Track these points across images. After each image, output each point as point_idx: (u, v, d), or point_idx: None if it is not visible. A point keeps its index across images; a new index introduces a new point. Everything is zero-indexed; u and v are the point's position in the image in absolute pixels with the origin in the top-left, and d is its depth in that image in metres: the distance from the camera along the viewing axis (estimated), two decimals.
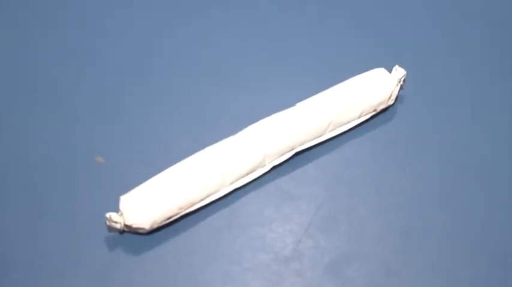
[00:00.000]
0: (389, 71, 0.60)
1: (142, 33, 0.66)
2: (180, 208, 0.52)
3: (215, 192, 0.53)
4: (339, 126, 0.57)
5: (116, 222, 0.51)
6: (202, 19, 0.67)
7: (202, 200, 0.53)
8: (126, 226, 0.51)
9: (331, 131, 0.57)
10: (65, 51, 0.64)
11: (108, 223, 0.51)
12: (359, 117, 0.58)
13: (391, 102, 0.59)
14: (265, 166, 0.55)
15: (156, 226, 0.51)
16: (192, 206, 0.53)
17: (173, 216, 0.52)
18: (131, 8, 0.68)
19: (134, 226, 0.51)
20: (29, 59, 0.63)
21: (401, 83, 0.59)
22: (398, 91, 0.59)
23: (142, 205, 0.51)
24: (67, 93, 0.61)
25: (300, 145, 0.56)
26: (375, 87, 0.58)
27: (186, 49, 0.64)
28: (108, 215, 0.50)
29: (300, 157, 0.57)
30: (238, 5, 0.68)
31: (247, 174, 0.54)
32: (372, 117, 0.59)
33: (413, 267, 0.51)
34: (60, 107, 0.60)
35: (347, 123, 0.58)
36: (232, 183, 0.54)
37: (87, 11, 0.68)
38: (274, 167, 0.56)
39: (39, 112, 0.59)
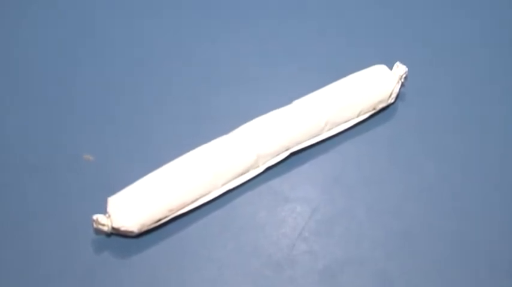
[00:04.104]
0: (390, 68, 0.58)
1: (135, 32, 0.64)
2: (170, 210, 0.50)
3: (206, 194, 0.52)
4: (336, 126, 0.55)
5: (103, 225, 0.49)
6: (197, 19, 0.65)
7: (193, 202, 0.51)
8: (113, 228, 0.49)
9: (328, 130, 0.55)
10: (56, 51, 0.63)
11: (95, 225, 0.49)
12: (358, 116, 0.56)
13: (391, 100, 0.57)
14: (258, 166, 0.53)
15: (145, 229, 0.50)
16: (182, 208, 0.51)
17: (163, 219, 0.50)
18: (125, 7, 0.66)
19: (122, 229, 0.49)
20: (21, 57, 0.62)
21: (402, 80, 0.57)
22: (399, 89, 0.57)
23: (131, 207, 0.49)
24: (57, 92, 0.59)
25: (295, 145, 0.54)
26: (375, 84, 0.56)
27: (179, 48, 0.63)
28: (95, 217, 0.49)
29: (296, 157, 0.55)
30: (233, 4, 0.66)
31: (240, 175, 0.53)
32: (371, 116, 0.57)
33: (412, 274, 0.49)
34: (49, 106, 0.59)
35: (345, 122, 0.56)
36: (224, 184, 0.52)
37: (79, 10, 0.66)
38: (268, 168, 0.54)
39: (28, 111, 0.58)
